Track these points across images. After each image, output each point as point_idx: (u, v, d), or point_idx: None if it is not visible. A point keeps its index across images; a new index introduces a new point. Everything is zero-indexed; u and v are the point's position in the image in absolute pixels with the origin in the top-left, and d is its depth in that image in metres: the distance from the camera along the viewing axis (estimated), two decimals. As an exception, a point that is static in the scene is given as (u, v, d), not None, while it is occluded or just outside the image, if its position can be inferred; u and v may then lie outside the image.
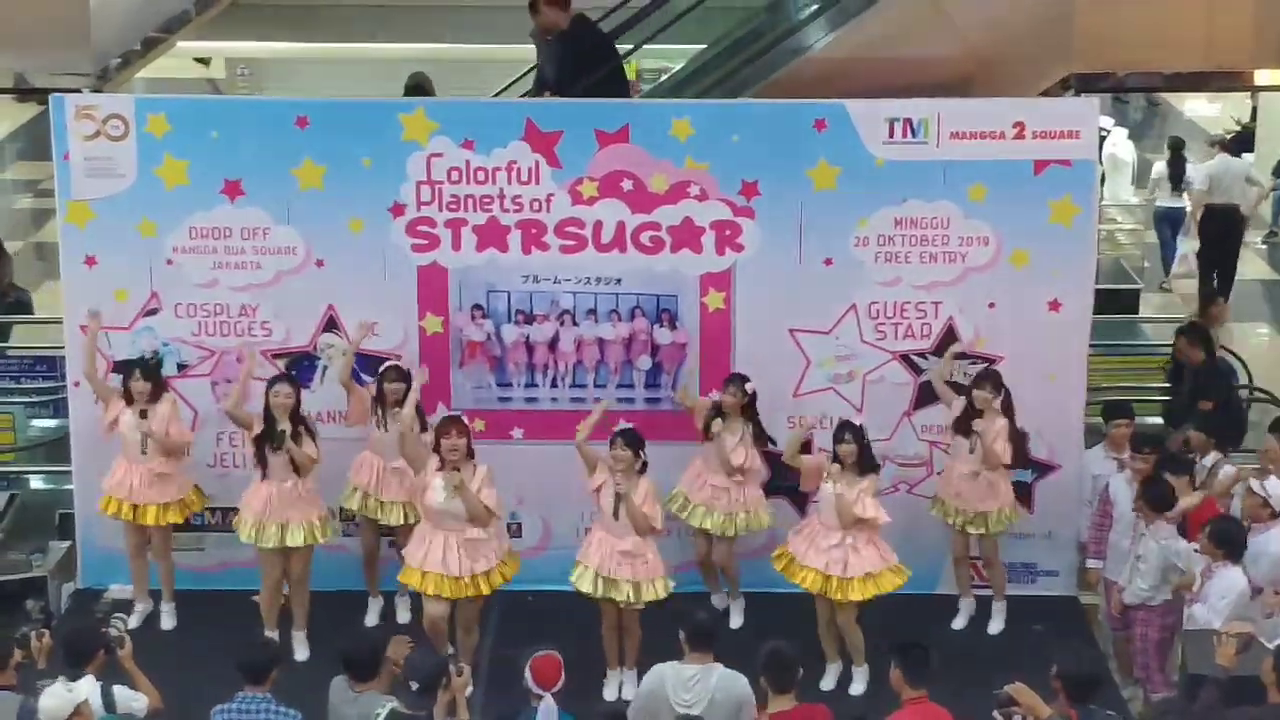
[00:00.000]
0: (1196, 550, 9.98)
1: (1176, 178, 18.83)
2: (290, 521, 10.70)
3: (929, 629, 10.45)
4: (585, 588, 10.25)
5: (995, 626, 11.25)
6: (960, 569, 11.28)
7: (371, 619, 11.25)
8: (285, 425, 10.59)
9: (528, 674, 8.42)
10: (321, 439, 10.89)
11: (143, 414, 10.91)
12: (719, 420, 10.88)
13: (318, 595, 10.97)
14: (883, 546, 10.38)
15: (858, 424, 10.46)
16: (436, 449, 10.17)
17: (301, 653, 10.79)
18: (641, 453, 10.16)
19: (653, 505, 10.15)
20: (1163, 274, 19.03)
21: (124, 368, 11.21)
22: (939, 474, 11.27)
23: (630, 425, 10.41)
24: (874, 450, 10.52)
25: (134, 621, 10.75)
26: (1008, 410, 10.85)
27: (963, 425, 10.90)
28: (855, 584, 10.27)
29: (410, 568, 10.27)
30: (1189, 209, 18.59)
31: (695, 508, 11.04)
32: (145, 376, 10.93)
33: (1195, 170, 18.51)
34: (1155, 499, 10.19)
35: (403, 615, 11.25)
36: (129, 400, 10.95)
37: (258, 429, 10.66)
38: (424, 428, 10.64)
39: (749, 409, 10.90)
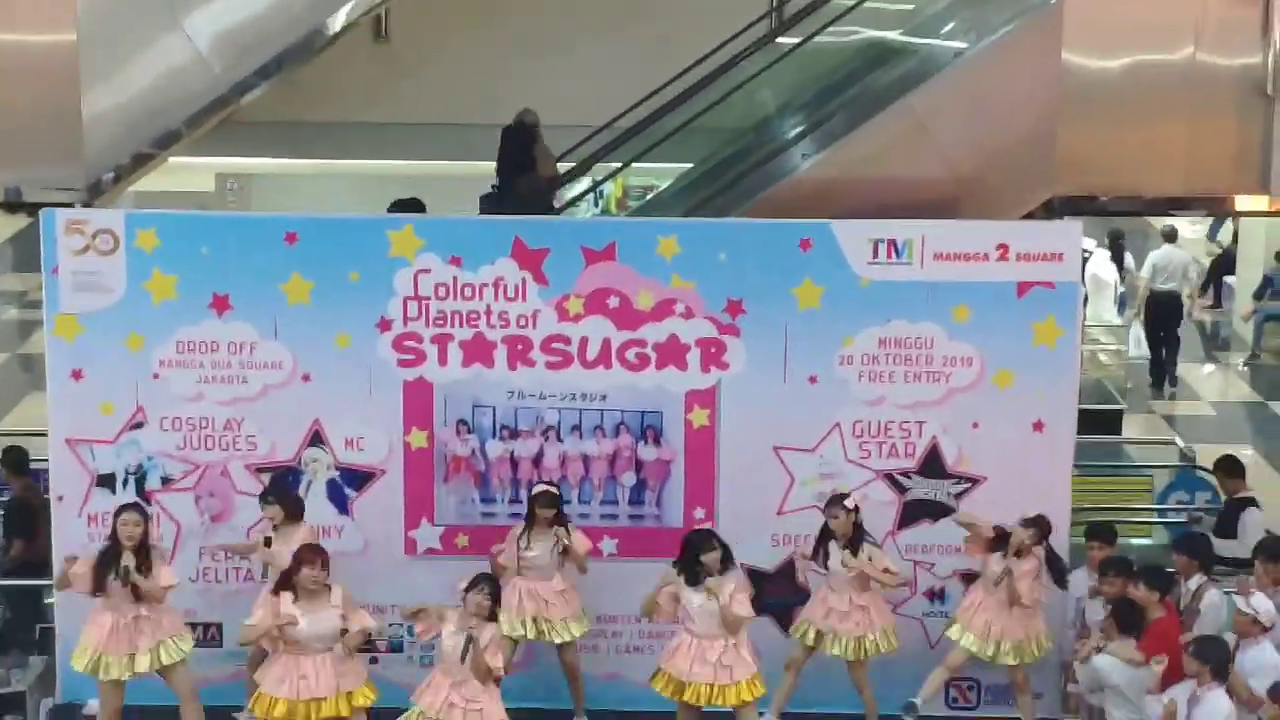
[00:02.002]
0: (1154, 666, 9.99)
1: (1117, 260, 21.18)
2: (140, 649, 10.53)
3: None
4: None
5: None
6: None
7: None
8: (129, 559, 10.40)
9: None
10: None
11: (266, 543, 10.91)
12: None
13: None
14: (749, 646, 10.50)
15: (714, 530, 10.60)
16: (293, 576, 10.14)
17: None
18: (498, 605, 10.12)
19: (495, 654, 9.98)
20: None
21: (109, 482, 11.22)
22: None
23: (487, 574, 10.34)
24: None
25: None
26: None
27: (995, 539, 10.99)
28: (744, 686, 10.39)
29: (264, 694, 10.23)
30: (1117, 282, 20.87)
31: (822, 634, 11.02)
32: (281, 503, 10.98)
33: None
34: (1123, 621, 10.18)
35: None
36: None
37: (128, 560, 10.44)
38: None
39: (859, 528, 10.93)
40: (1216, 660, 9.64)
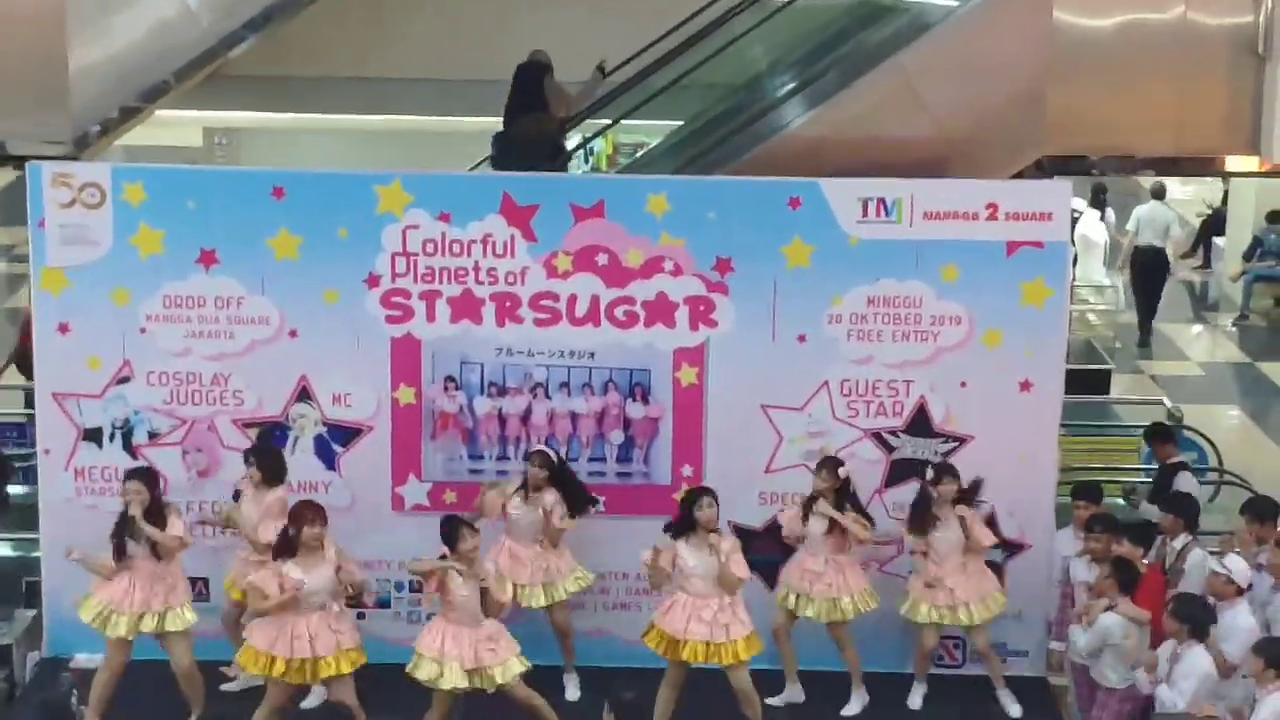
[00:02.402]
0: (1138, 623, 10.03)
1: (1100, 208, 21.21)
2: (150, 609, 10.53)
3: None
4: (457, 683, 10.06)
5: (1015, 710, 11.19)
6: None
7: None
8: (136, 512, 10.41)
9: None
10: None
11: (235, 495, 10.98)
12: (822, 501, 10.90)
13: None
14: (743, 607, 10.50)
15: (712, 488, 10.57)
16: (298, 534, 10.11)
17: None
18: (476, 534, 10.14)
19: (502, 590, 10.11)
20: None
21: (96, 436, 11.22)
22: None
23: (457, 515, 10.33)
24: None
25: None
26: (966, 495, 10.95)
27: (924, 519, 10.95)
28: (740, 644, 10.37)
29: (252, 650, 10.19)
30: (1107, 242, 20.80)
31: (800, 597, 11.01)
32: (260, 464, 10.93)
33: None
34: (1123, 580, 10.20)
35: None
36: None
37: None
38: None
39: (843, 492, 10.92)
40: (1196, 619, 9.68)
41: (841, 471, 10.90)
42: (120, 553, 10.51)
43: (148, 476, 10.66)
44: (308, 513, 10.20)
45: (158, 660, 10.75)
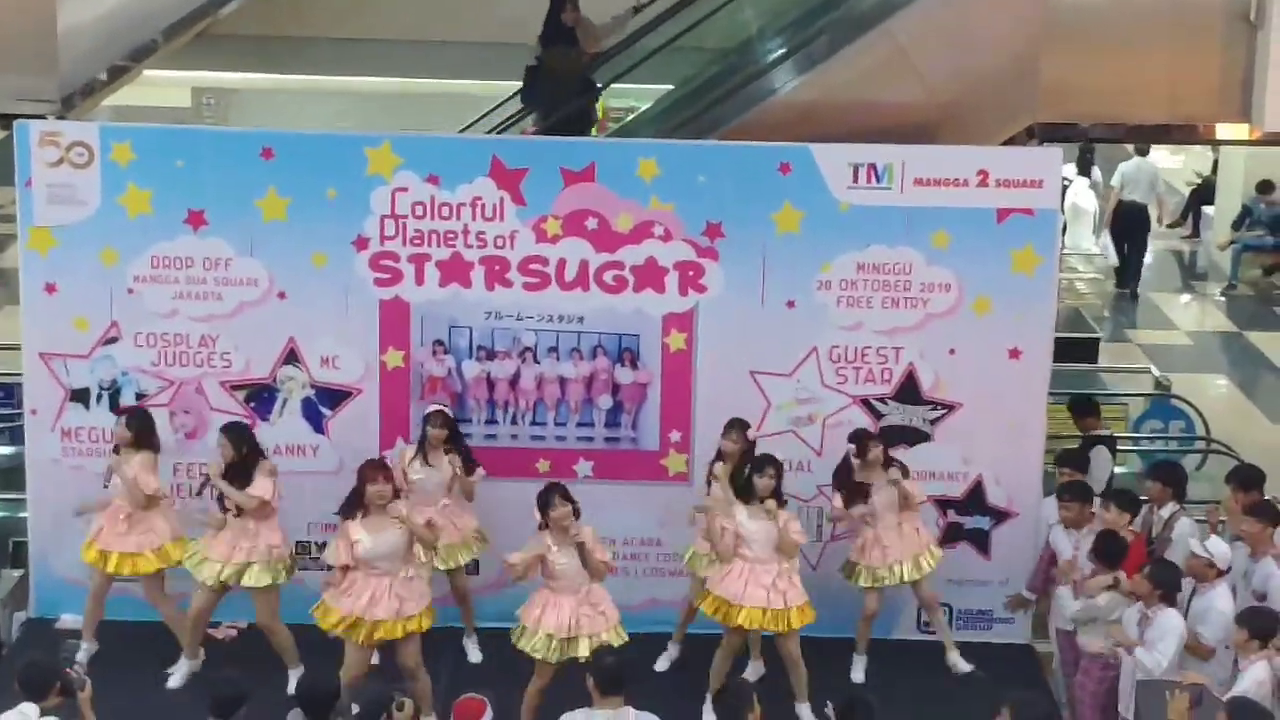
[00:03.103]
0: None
1: (1085, 166, 21.84)
2: (232, 560, 10.57)
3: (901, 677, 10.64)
4: (546, 654, 9.94)
5: (963, 665, 11.19)
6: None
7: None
8: (215, 471, 10.49)
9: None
10: (281, 473, 10.77)
11: (115, 450, 10.86)
12: (719, 465, 10.83)
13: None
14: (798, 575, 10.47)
15: (778, 458, 10.50)
16: (361, 494, 10.02)
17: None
18: (575, 501, 10.03)
19: (603, 549, 10.04)
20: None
21: (83, 397, 11.22)
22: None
23: (554, 482, 10.24)
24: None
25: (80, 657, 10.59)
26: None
27: (855, 490, 10.88)
28: (795, 612, 10.33)
29: (340, 613, 10.08)
30: (1097, 210, 21.26)
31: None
32: (129, 425, 10.83)
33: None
34: (1108, 552, 10.20)
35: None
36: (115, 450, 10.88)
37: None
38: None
39: (748, 455, 10.83)
40: (1169, 584, 9.70)
41: (750, 434, 10.87)
42: (222, 504, 10.56)
43: (234, 432, 10.66)
44: (371, 471, 10.08)
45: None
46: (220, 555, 10.58)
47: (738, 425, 10.87)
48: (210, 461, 10.69)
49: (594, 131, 14.07)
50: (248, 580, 10.60)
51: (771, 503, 10.31)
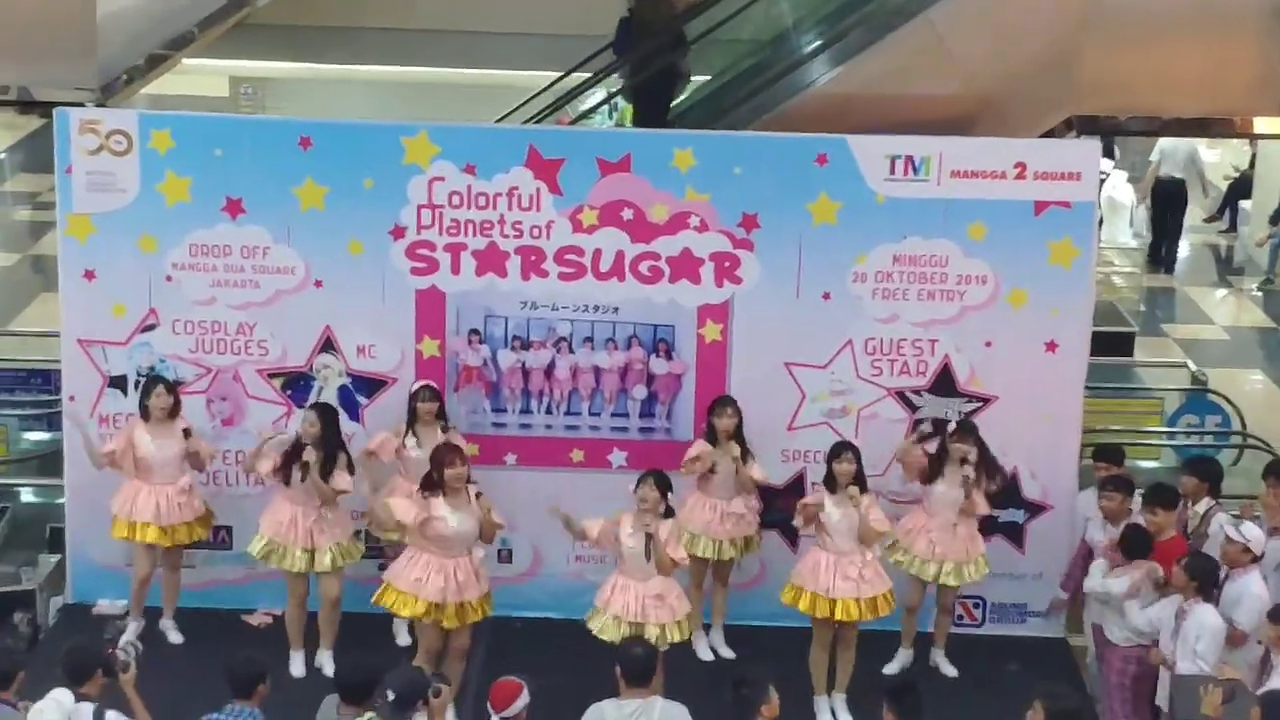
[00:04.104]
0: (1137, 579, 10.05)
1: (1106, 150, 21.12)
2: (320, 546, 10.64)
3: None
4: (610, 635, 9.92)
5: (948, 669, 11.18)
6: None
7: (403, 639, 11.05)
8: (311, 456, 10.53)
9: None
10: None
11: (186, 432, 10.97)
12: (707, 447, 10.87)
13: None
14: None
15: (856, 443, 10.50)
16: (439, 477, 10.04)
17: (329, 669, 10.55)
18: (669, 495, 10.04)
19: (676, 546, 9.99)
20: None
21: (121, 383, 11.28)
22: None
23: (654, 470, 10.25)
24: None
25: (129, 636, 10.67)
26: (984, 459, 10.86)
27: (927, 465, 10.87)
28: (881, 599, 10.34)
29: (405, 594, 10.11)
30: (1134, 203, 21.24)
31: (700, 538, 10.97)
32: (169, 391, 10.94)
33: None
34: (1132, 546, 10.19)
35: (403, 639, 11.06)
36: (146, 418, 10.93)
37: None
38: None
39: (738, 432, 10.89)
40: (1206, 578, 9.68)
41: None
42: (286, 477, 10.62)
43: (324, 414, 10.73)
44: (448, 454, 10.11)
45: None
46: (304, 541, 10.60)
47: (730, 401, 10.93)
48: (275, 436, 10.81)
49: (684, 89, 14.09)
50: (340, 562, 10.67)
51: (854, 489, 10.30)
